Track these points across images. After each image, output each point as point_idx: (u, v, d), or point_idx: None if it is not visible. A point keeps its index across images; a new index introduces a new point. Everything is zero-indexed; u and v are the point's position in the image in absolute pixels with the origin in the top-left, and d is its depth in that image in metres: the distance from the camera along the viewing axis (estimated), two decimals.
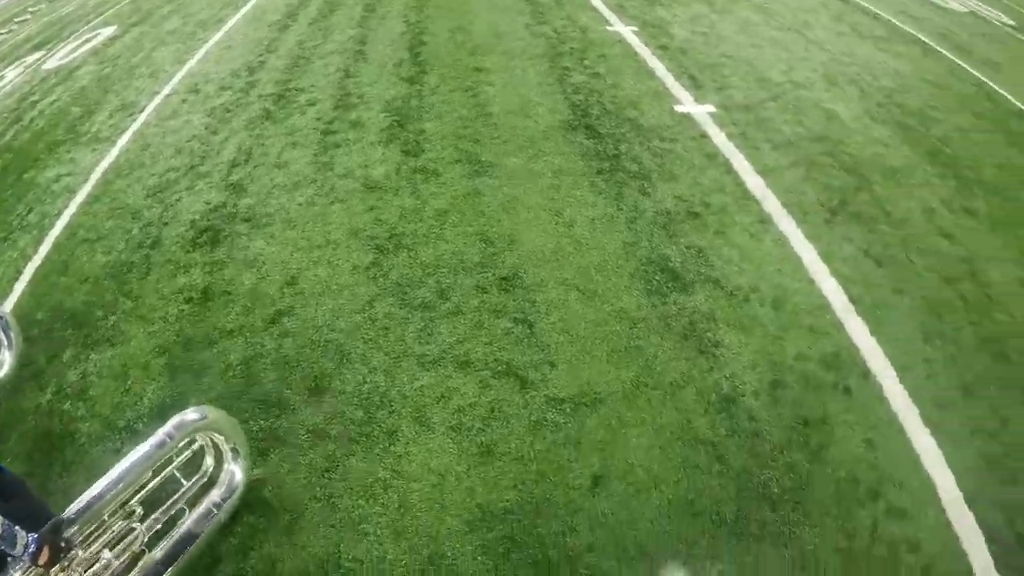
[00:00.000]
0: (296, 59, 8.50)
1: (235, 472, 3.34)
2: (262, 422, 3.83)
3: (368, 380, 4.04)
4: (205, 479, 3.28)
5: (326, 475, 3.56)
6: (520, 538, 3.27)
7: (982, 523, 3.63)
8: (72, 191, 6.39)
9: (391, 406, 3.89)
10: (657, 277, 4.75)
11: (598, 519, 3.37)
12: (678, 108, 6.90)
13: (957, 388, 4.31)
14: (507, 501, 3.42)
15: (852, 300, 4.76)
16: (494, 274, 4.75)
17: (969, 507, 3.70)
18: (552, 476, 3.54)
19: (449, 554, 3.21)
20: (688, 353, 4.25)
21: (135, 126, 7.41)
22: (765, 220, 5.41)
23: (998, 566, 3.46)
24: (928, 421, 4.06)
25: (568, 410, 3.87)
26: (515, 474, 3.54)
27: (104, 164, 6.74)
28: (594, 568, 3.19)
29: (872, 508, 3.59)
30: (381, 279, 4.72)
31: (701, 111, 6.87)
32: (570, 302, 4.53)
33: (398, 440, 3.71)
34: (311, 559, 3.22)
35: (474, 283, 4.67)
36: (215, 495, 3.27)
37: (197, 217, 5.56)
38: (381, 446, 3.68)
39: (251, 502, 3.41)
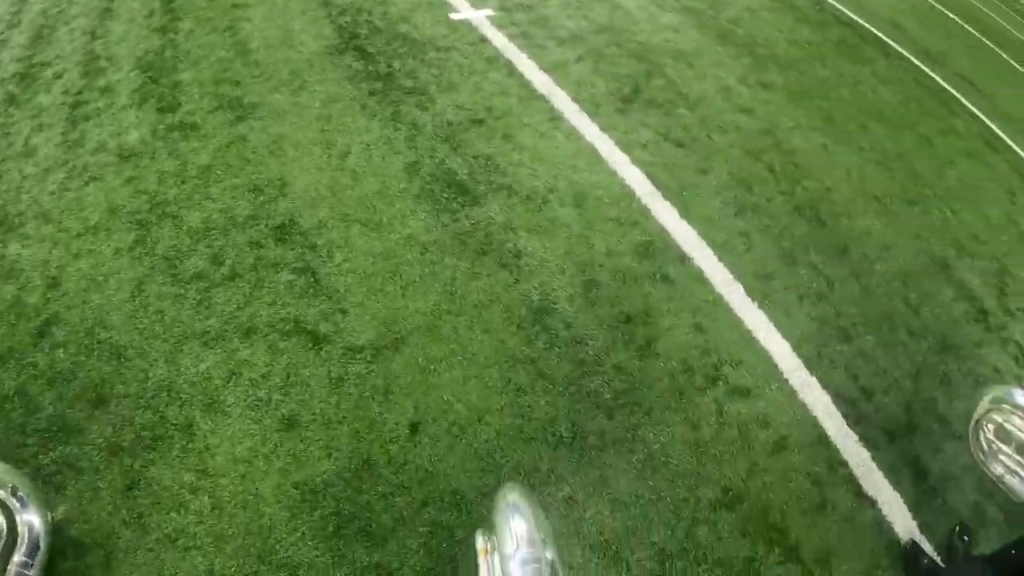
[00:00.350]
0: (39, 30, 7.51)
1: (32, 522, 2.98)
2: (52, 453, 3.38)
3: (150, 375, 3.64)
4: (2, 542, 2.93)
5: (129, 494, 3.20)
6: (347, 510, 3.09)
7: (826, 385, 3.81)
8: None
9: (180, 398, 3.54)
10: (445, 194, 4.55)
11: (425, 469, 3.22)
12: (454, 16, 6.70)
13: (777, 257, 4.47)
14: (324, 473, 3.22)
15: (657, 186, 4.81)
16: (267, 225, 4.39)
17: (811, 372, 3.86)
18: (366, 434, 3.35)
19: (279, 547, 2.99)
20: (489, 269, 4.09)
21: None
22: (556, 117, 5.37)
23: (850, 423, 3.65)
24: (754, 294, 4.19)
25: (369, 358, 3.66)
26: (325, 441, 3.33)
27: None
28: (434, 523, 3.04)
29: (713, 392, 3.66)
30: (147, 257, 4.25)
31: (479, 16, 6.72)
32: (353, 239, 4.25)
33: (195, 435, 3.39)
34: None
35: (247, 239, 4.30)
36: (19, 556, 2.92)
37: None
38: (179, 446, 3.35)
39: (62, 547, 3.04)
